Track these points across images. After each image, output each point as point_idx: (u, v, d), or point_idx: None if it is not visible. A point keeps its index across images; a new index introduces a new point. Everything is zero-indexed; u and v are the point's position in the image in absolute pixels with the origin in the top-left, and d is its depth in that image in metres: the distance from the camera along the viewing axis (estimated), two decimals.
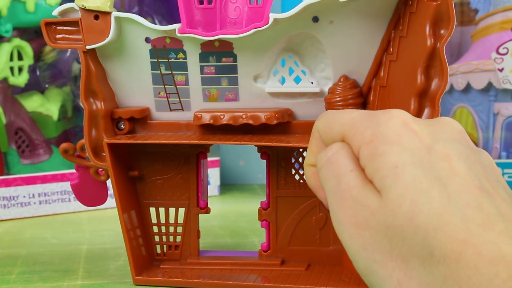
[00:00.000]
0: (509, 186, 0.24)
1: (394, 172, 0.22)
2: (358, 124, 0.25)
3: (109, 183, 0.45)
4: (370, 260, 0.22)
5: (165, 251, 0.47)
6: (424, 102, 0.37)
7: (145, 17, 0.44)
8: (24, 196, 0.65)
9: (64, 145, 0.44)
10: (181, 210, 0.46)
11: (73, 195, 0.54)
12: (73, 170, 0.47)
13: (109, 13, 0.40)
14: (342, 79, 0.42)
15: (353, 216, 0.23)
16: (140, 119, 0.44)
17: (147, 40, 0.41)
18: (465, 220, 0.21)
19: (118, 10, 0.41)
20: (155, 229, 0.46)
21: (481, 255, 0.20)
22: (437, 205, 0.21)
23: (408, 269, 0.21)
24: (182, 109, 0.44)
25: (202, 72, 0.43)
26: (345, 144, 0.25)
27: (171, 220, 0.46)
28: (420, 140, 0.23)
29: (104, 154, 0.42)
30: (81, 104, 0.43)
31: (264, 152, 0.45)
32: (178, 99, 0.44)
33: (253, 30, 0.39)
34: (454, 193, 0.22)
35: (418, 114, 0.37)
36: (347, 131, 0.25)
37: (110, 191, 0.56)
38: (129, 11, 0.74)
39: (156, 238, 0.46)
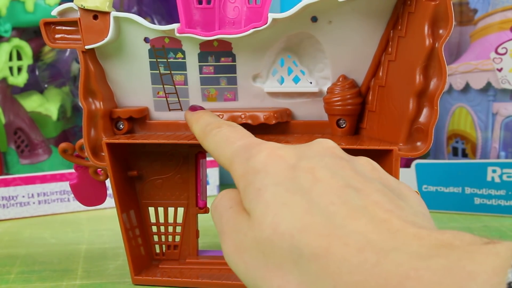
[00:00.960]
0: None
1: (258, 194, 0.24)
2: (235, 161, 0.28)
3: (108, 183, 0.45)
4: (254, 278, 0.24)
5: (164, 251, 0.47)
6: (422, 102, 0.37)
7: (144, 17, 0.44)
8: (23, 196, 0.65)
9: (63, 145, 0.44)
10: (180, 210, 0.46)
11: (72, 195, 0.54)
12: (72, 170, 0.47)
13: (108, 13, 0.40)
14: (341, 79, 0.42)
15: (233, 244, 0.25)
16: (139, 119, 0.44)
17: (146, 40, 0.41)
18: (329, 216, 0.22)
19: (117, 10, 0.41)
20: (154, 229, 0.46)
21: (347, 245, 0.21)
22: (298, 210, 0.23)
23: (284, 274, 0.22)
24: (181, 109, 0.44)
25: (201, 72, 0.43)
26: (228, 190, 0.28)
27: (170, 220, 0.46)
28: (285, 162, 0.25)
29: (103, 154, 0.42)
30: (80, 104, 0.43)
31: None
32: (177, 99, 0.44)
33: (252, 30, 0.39)
34: (316, 197, 0.23)
35: (417, 114, 0.38)
36: (228, 166, 0.28)
37: (109, 191, 0.57)
38: (128, 11, 0.74)
39: (155, 238, 0.47)
